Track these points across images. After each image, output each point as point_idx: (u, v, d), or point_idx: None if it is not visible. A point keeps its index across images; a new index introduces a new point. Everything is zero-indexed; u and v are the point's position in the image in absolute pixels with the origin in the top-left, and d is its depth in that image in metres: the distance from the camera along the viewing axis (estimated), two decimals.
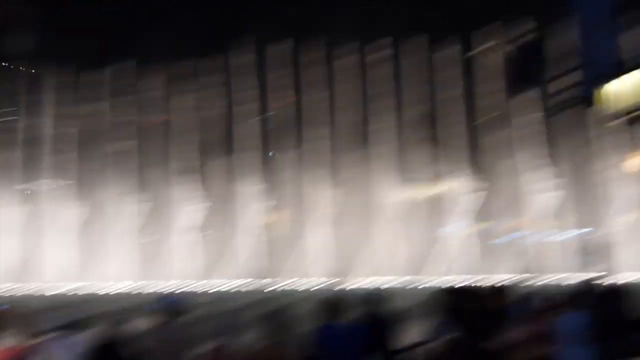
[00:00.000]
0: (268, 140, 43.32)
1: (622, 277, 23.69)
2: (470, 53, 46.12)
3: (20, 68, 42.81)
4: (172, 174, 41.11)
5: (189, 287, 36.24)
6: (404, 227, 40.36)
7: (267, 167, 42.17)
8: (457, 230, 40.24)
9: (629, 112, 5.94)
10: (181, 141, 42.40)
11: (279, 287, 35.97)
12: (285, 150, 42.05)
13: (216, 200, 40.89)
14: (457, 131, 41.34)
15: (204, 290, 34.18)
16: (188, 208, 40.34)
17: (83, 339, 6.02)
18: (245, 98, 43.33)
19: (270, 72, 42.83)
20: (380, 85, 42.78)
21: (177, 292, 6.76)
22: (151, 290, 32.20)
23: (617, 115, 5.70)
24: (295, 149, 41.90)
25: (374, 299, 7.46)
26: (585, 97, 6.05)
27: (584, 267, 31.27)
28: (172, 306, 6.18)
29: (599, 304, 6.71)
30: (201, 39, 43.56)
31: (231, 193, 41.20)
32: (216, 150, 41.93)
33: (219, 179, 41.71)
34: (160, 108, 42.08)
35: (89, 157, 40.32)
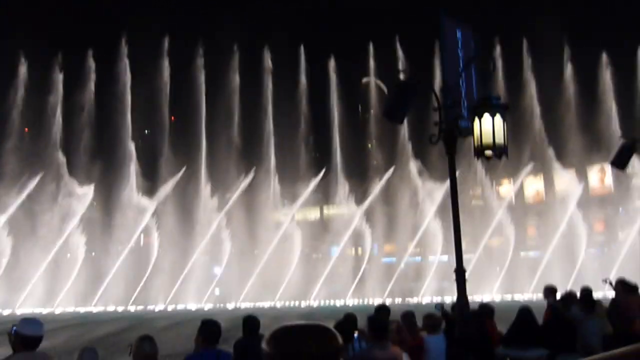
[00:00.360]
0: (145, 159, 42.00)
1: (479, 300, 25.67)
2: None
3: None
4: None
5: (48, 312, 33.67)
6: (287, 251, 40.92)
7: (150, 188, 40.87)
8: (339, 253, 41.66)
9: (490, 148, 6.64)
10: None
11: (154, 312, 34.53)
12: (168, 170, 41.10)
13: (90, 224, 38.77)
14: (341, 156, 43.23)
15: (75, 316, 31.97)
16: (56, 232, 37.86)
17: None
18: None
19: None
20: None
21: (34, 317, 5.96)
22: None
23: (483, 149, 6.38)
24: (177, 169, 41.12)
25: (249, 325, 7.43)
26: (462, 130, 6.73)
27: (448, 291, 33.71)
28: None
29: (456, 326, 7.27)
30: None
31: (107, 216, 39.29)
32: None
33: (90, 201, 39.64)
34: None
35: None
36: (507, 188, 45.71)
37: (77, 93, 41.59)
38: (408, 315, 7.92)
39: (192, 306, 37.14)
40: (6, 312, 33.68)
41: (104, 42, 44.71)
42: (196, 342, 6.33)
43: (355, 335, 7.12)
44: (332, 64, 44.98)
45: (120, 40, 42.60)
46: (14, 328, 6.12)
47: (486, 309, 8.90)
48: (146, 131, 45.10)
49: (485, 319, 8.51)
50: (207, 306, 37.00)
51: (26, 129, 42.12)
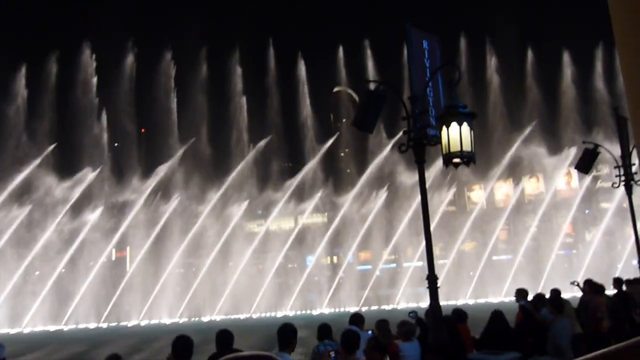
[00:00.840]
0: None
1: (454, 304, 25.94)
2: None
3: None
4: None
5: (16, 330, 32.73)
6: (261, 260, 40.75)
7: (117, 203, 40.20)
8: (312, 262, 41.66)
9: (458, 155, 6.76)
10: None
11: (127, 328, 33.88)
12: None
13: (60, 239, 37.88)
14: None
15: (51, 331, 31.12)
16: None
17: None
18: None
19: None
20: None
21: None
22: None
23: (452, 157, 6.48)
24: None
25: (222, 339, 7.36)
26: (431, 138, 6.84)
27: (424, 297, 33.99)
28: None
29: (429, 332, 7.34)
30: None
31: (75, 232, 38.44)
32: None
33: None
34: None
35: None
36: (478, 193, 46.46)
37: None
38: (382, 323, 7.97)
39: (167, 320, 36.55)
40: None
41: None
42: (169, 359, 6.27)
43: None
44: (301, 68, 45.04)
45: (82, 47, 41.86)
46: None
47: (459, 314, 9.02)
48: (115, 144, 44.35)
49: (457, 324, 8.62)
50: (182, 320, 36.47)
51: None
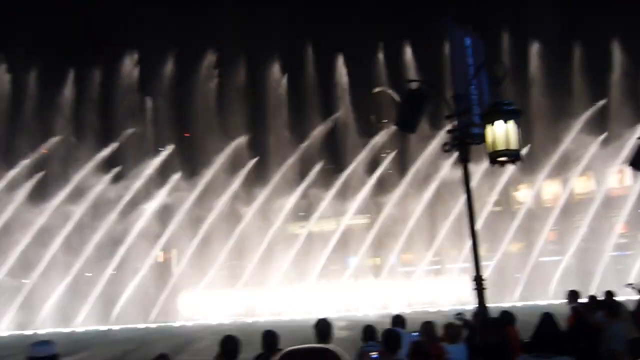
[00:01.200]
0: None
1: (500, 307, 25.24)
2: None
3: None
4: None
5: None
6: (304, 262, 40.88)
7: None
8: (354, 263, 41.57)
9: (504, 154, 6.64)
10: None
11: (174, 327, 34.63)
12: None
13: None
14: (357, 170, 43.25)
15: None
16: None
17: None
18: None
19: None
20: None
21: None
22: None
23: (498, 155, 6.37)
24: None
25: (268, 339, 7.42)
26: (476, 137, 6.73)
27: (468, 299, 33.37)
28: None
29: (477, 334, 7.20)
30: None
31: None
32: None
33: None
34: None
35: None
36: (524, 192, 45.28)
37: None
38: (428, 325, 7.86)
39: (212, 321, 37.12)
40: (28, 332, 34.05)
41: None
42: (216, 359, 6.39)
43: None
44: (341, 69, 45.10)
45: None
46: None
47: (507, 316, 8.81)
48: (159, 148, 45.46)
49: (506, 326, 8.42)
50: (227, 320, 36.96)
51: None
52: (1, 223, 38.19)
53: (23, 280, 38.94)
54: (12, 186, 39.29)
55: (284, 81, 44.20)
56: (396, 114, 8.55)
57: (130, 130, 41.18)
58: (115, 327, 35.81)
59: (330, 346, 2.10)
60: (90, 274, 39.59)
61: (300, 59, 44.88)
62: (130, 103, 42.41)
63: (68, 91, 42.20)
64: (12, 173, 39.34)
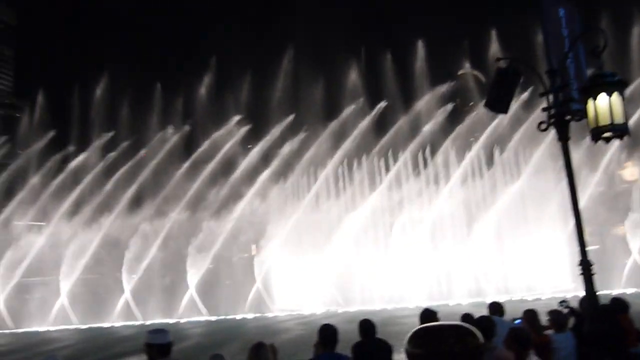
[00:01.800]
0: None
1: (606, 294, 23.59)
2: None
3: None
4: None
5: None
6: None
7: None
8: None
9: (609, 128, 6.13)
10: None
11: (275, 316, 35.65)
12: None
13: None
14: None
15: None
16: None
17: None
18: None
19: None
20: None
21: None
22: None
23: (601, 131, 5.91)
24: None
25: (365, 327, 7.44)
26: (575, 113, 6.29)
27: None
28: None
29: (586, 322, 6.77)
30: None
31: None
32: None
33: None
34: None
35: None
36: (630, 171, 42.02)
37: None
38: (530, 312, 7.52)
39: (306, 311, 37.80)
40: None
41: None
42: (315, 346, 6.47)
43: None
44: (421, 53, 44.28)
45: None
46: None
47: (619, 303, 8.22)
48: (249, 146, 46.89)
49: (618, 315, 7.86)
50: (325, 309, 37.46)
51: None
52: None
53: (132, 275, 41.98)
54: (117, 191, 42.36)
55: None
56: (487, 95, 8.19)
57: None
58: (212, 318, 37.53)
59: (462, 323, 2.06)
60: (190, 269, 41.73)
61: (382, 41, 45.05)
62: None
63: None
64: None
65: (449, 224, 40.73)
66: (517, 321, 7.41)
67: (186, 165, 42.93)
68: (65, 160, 45.91)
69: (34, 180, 44.16)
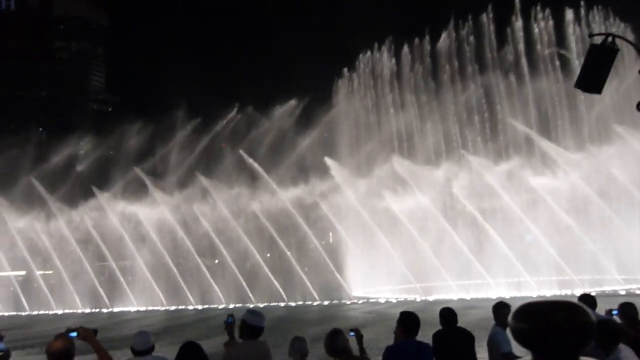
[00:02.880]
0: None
1: None
2: None
3: None
4: None
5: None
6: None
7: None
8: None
9: None
10: None
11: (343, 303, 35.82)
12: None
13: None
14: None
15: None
16: None
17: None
18: None
19: None
20: None
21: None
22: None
23: None
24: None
25: (446, 316, 7.32)
26: None
27: None
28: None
29: None
30: None
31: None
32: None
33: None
34: None
35: None
36: None
37: None
38: (628, 306, 7.05)
39: (382, 299, 37.72)
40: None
41: None
42: (396, 333, 6.45)
43: None
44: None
45: None
46: (229, 319, 6.89)
47: None
48: (325, 134, 47.31)
49: None
50: (397, 298, 37.21)
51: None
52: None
53: (216, 261, 43.64)
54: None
55: None
56: (579, 74, 7.70)
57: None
58: (292, 304, 38.30)
59: (576, 301, 1.95)
60: (268, 254, 42.75)
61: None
62: None
63: None
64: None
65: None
66: (614, 312, 6.99)
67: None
68: (152, 150, 48.29)
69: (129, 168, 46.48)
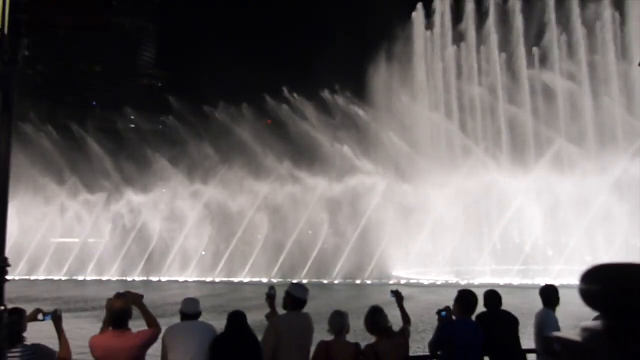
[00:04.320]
0: None
1: None
2: None
3: None
4: None
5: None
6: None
7: None
8: None
9: None
10: None
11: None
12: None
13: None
14: None
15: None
16: None
17: (207, 327, 6.29)
18: None
19: None
20: None
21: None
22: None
23: None
24: None
25: (493, 296, 7.28)
26: None
27: None
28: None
29: None
30: None
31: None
32: None
33: None
34: None
35: None
36: None
37: None
38: None
39: (425, 280, 37.47)
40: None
41: None
42: (452, 311, 6.67)
43: None
44: None
45: None
46: (271, 291, 7.04)
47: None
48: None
49: None
50: (440, 280, 36.91)
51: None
52: None
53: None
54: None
55: None
56: None
57: None
58: (336, 281, 38.62)
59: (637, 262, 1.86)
60: (310, 232, 43.11)
61: None
62: None
63: None
64: None
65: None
66: None
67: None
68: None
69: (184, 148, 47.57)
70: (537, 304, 7.28)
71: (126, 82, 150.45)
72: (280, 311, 6.59)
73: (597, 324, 1.82)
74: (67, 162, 48.34)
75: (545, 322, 6.94)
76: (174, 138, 48.88)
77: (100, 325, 5.96)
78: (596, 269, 1.83)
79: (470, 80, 45.47)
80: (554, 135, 40.19)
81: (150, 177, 47.46)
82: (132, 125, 55.09)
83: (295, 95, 47.11)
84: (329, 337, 6.18)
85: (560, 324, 6.98)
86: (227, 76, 77.15)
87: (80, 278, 44.06)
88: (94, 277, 43.97)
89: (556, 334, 1.96)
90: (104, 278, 43.25)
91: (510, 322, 7.12)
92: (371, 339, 6.33)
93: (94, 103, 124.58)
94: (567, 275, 32.67)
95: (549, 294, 7.19)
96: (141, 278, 43.00)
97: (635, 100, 40.26)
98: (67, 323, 6.04)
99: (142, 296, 6.01)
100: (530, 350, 7.26)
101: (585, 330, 1.81)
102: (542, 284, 7.79)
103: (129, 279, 42.72)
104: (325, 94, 46.81)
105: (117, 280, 41.42)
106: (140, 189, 47.31)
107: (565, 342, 1.82)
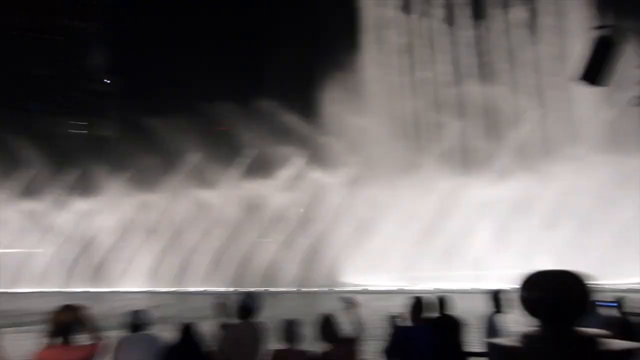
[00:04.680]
0: None
1: None
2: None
3: None
4: None
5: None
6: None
7: None
8: None
9: None
10: None
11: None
12: None
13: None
14: None
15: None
16: None
17: (155, 338, 6.20)
18: None
19: None
20: None
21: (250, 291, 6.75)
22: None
23: None
24: None
25: (444, 301, 7.48)
26: None
27: None
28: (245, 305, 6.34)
29: None
30: None
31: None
32: None
33: None
34: None
35: None
36: None
37: None
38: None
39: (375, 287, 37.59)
40: None
41: None
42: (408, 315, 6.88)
43: None
44: None
45: None
46: (222, 301, 6.92)
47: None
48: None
49: None
50: (389, 287, 37.17)
51: None
52: None
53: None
54: None
55: None
56: (584, 66, 7.64)
57: None
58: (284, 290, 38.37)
59: (572, 269, 1.95)
60: (259, 240, 42.80)
61: None
62: None
63: None
64: None
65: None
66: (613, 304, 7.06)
67: None
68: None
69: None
70: (487, 308, 7.50)
71: (73, 87, 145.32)
72: (232, 320, 6.54)
73: (535, 329, 1.89)
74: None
75: (493, 326, 7.18)
76: (120, 145, 47.52)
77: (43, 339, 5.72)
78: (532, 277, 1.90)
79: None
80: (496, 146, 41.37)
81: (94, 186, 45.92)
82: (75, 131, 53.11)
83: (245, 103, 46.59)
84: (282, 346, 6.14)
85: (511, 328, 7.17)
86: (177, 84, 75.61)
87: (19, 290, 42.00)
88: (32, 290, 41.97)
89: (496, 340, 2.03)
90: (45, 290, 41.38)
91: (459, 326, 7.34)
92: (324, 347, 6.33)
93: (34, 108, 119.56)
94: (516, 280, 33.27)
95: (498, 299, 7.46)
96: (85, 289, 41.42)
97: None
98: (5, 338, 5.77)
99: (89, 308, 5.84)
100: (480, 354, 7.45)
101: (525, 336, 1.87)
102: (492, 288, 8.02)
103: (73, 290, 41.08)
104: (273, 105, 46.25)
105: (58, 292, 39.70)
106: (84, 197, 45.72)
107: (506, 349, 1.88)
